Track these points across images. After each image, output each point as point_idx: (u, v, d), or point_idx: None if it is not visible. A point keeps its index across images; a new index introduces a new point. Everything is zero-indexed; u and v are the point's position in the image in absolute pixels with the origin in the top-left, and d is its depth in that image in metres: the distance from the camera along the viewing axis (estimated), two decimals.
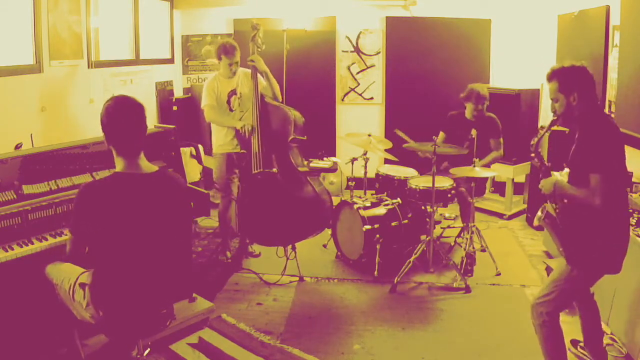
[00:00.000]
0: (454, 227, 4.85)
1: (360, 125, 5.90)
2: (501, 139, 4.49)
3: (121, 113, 2.23)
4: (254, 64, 3.94)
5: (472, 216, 4.30)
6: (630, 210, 3.19)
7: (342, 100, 6.36)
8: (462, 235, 4.42)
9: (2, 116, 3.45)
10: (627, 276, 2.90)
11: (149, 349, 2.73)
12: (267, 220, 3.94)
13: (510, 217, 5.46)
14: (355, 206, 4.19)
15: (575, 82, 2.45)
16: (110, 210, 2.16)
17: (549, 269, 3.71)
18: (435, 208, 4.05)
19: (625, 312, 2.99)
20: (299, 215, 3.86)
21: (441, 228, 4.87)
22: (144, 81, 5.46)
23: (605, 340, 2.95)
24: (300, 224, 3.91)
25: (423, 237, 4.26)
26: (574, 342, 3.01)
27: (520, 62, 5.85)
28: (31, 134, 3.47)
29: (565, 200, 2.53)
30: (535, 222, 2.67)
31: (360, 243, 4.12)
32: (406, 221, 4.25)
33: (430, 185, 3.96)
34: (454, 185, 4.14)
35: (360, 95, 6.32)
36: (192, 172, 5.38)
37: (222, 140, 4.19)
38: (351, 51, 6.24)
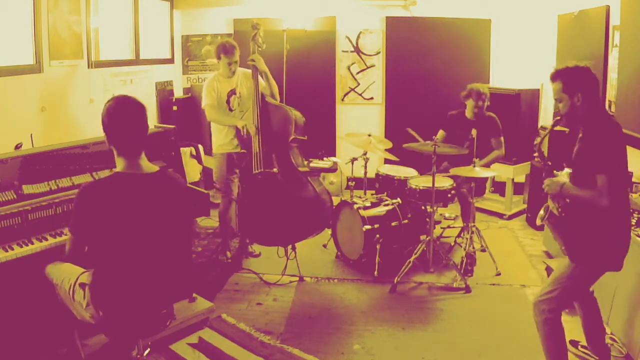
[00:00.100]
0: (454, 227, 4.86)
1: (360, 125, 5.90)
2: (502, 138, 4.49)
3: (122, 113, 2.23)
4: (255, 64, 3.94)
5: (473, 216, 4.30)
6: (631, 210, 3.19)
7: (342, 100, 6.36)
8: (462, 235, 4.43)
9: (2, 116, 3.45)
10: (627, 276, 2.91)
11: (149, 349, 2.73)
12: (267, 220, 3.94)
13: (510, 217, 5.46)
14: (355, 206, 4.19)
15: (580, 82, 2.47)
16: (111, 210, 2.16)
17: (549, 269, 3.72)
18: (435, 208, 4.05)
19: (625, 312, 2.99)
20: (299, 215, 3.86)
21: (441, 228, 4.88)
22: (144, 81, 5.46)
23: (606, 340, 2.95)
24: (300, 224, 3.91)
25: (423, 237, 4.26)
26: (574, 343, 3.01)
27: (520, 62, 5.86)
28: (31, 134, 3.47)
29: (568, 200, 2.55)
30: (538, 222, 2.68)
31: (360, 243, 4.12)
32: (406, 221, 4.25)
33: (430, 185, 3.96)
34: (454, 185, 4.14)
35: (360, 95, 6.32)
36: (192, 172, 5.38)
37: (222, 140, 4.19)
38: (351, 51, 6.24)
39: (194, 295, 3.36)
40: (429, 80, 6.10)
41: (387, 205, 4.30)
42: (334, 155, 6.02)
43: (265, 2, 6.10)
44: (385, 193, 4.48)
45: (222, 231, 4.44)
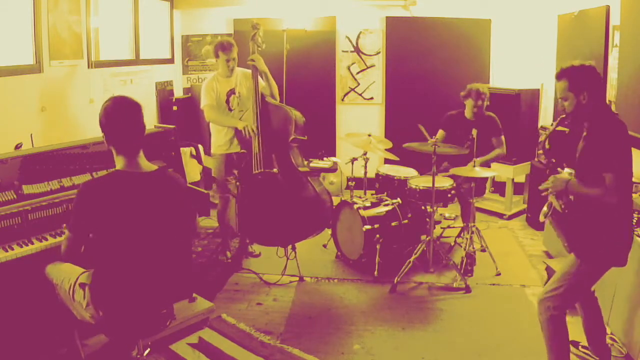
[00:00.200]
0: (454, 227, 4.85)
1: (360, 125, 5.90)
2: (503, 137, 4.49)
3: (119, 113, 2.24)
4: (254, 64, 3.93)
5: (473, 216, 4.30)
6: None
7: (342, 100, 6.36)
8: (462, 235, 4.42)
9: (2, 116, 3.45)
10: (627, 276, 2.91)
11: (149, 349, 2.73)
12: (267, 220, 3.94)
13: (510, 217, 5.46)
14: (355, 206, 4.19)
15: (585, 81, 2.48)
16: (111, 207, 2.16)
17: (549, 269, 3.72)
18: (435, 208, 4.05)
19: (625, 312, 2.99)
20: (299, 215, 3.86)
21: (441, 228, 4.87)
22: (144, 81, 5.46)
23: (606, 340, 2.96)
24: (300, 224, 3.91)
25: (423, 237, 4.26)
26: (575, 343, 3.01)
27: (520, 62, 5.86)
28: (31, 134, 3.47)
29: (572, 197, 2.56)
30: (541, 218, 2.69)
31: (360, 243, 4.12)
32: (406, 221, 4.25)
33: (430, 185, 3.96)
34: (454, 185, 4.14)
35: (360, 95, 6.32)
36: (192, 172, 5.37)
37: (221, 141, 4.19)
38: (351, 51, 6.24)
39: (194, 295, 3.36)
40: (429, 80, 6.10)
41: (387, 205, 4.30)
42: (334, 155, 6.02)
43: (265, 2, 6.10)
44: (385, 193, 4.48)
45: (221, 231, 4.44)
